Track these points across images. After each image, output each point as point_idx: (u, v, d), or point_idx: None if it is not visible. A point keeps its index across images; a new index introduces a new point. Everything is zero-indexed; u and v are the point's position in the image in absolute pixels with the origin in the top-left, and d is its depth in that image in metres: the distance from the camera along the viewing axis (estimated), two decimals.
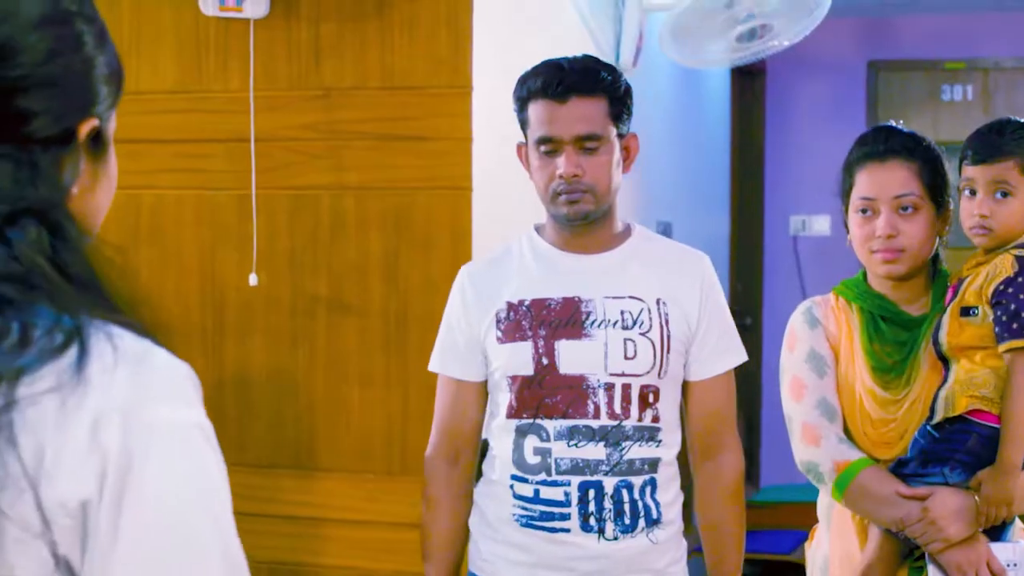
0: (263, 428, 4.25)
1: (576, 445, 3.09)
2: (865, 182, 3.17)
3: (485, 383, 3.25)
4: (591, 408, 3.09)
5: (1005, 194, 3.04)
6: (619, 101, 3.12)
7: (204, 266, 4.28)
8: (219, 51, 4.24)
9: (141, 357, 1.31)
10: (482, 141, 4.05)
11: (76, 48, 1.38)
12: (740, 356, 3.26)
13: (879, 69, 9.06)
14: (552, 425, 3.10)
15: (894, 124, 3.27)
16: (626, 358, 3.09)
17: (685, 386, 3.22)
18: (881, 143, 3.18)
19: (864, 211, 3.17)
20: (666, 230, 6.44)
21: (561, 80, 3.09)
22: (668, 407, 3.16)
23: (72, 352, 1.25)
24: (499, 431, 3.20)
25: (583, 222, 3.13)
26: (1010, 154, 3.04)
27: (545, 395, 3.11)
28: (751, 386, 8.35)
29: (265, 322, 4.23)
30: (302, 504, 4.22)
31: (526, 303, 3.15)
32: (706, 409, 3.23)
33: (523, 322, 3.13)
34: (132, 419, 1.26)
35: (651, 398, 3.12)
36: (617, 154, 3.13)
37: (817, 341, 3.24)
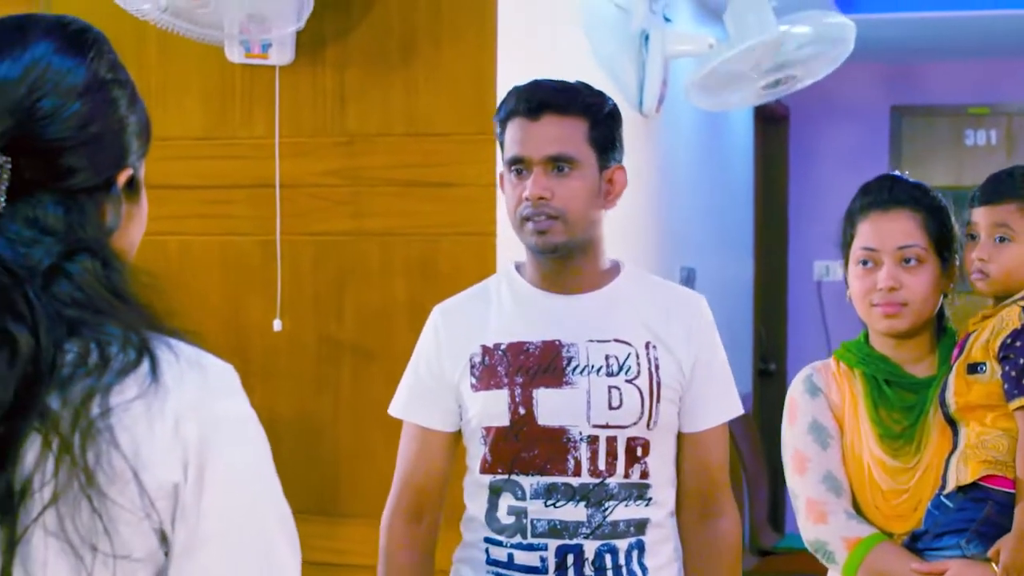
0: (288, 474, 4.22)
1: (554, 505, 2.81)
2: (867, 232, 3.03)
3: (455, 434, 2.98)
4: (571, 464, 2.80)
5: (1004, 239, 2.94)
6: (601, 125, 2.87)
7: (229, 311, 4.29)
8: (245, 98, 4.26)
9: (198, 360, 1.59)
10: None
11: (111, 111, 1.61)
12: (736, 408, 3.01)
13: (903, 114, 9.07)
14: (528, 482, 2.82)
15: (899, 173, 3.16)
16: (611, 408, 2.82)
17: (678, 439, 2.95)
18: (885, 192, 3.05)
19: (865, 262, 3.02)
20: (690, 275, 6.44)
21: (534, 96, 2.86)
22: (660, 462, 2.88)
23: (145, 363, 1.51)
24: (473, 488, 2.93)
25: (556, 256, 2.85)
26: (1013, 197, 2.95)
27: (521, 449, 2.82)
28: (775, 431, 8.32)
29: (290, 367, 4.24)
30: (327, 550, 4.21)
31: (502, 347, 2.87)
32: (699, 465, 2.95)
33: (499, 368, 2.85)
34: (203, 414, 1.54)
35: (639, 452, 2.84)
36: (595, 183, 2.85)
37: (819, 411, 3.05)
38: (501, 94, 4.04)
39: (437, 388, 2.95)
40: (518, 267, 3.01)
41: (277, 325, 4.18)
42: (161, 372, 1.52)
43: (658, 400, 2.85)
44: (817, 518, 2.98)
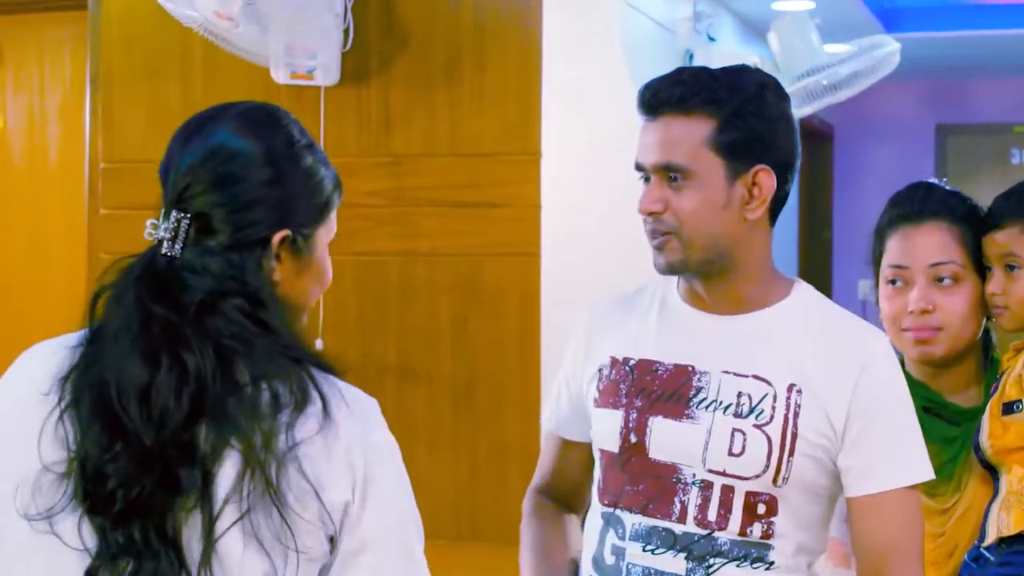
0: None
1: (652, 552, 2.40)
2: (896, 248, 2.68)
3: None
4: (676, 508, 2.39)
5: (1013, 267, 2.59)
6: (735, 123, 2.37)
7: None
8: None
9: (356, 396, 1.89)
10: (551, 207, 4.06)
11: (267, 184, 1.91)
12: (917, 473, 2.39)
13: (947, 133, 9.04)
14: (630, 520, 2.42)
15: (935, 181, 2.83)
16: (730, 453, 2.36)
17: (848, 505, 2.43)
18: (917, 202, 2.68)
19: (894, 281, 2.67)
20: None
21: (653, 91, 2.42)
22: (793, 524, 2.38)
23: (318, 402, 1.82)
24: (592, 513, 2.55)
25: (685, 276, 2.46)
26: (1013, 219, 2.62)
27: (627, 481, 2.44)
28: None
29: None
30: None
31: (632, 362, 2.47)
32: (868, 538, 2.39)
33: (622, 385, 2.47)
34: (367, 444, 1.87)
35: (761, 509, 2.36)
36: (721, 193, 2.37)
37: None
38: (545, 114, 4.06)
39: (574, 396, 2.60)
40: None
41: (318, 345, 4.19)
42: (331, 410, 1.83)
43: (791, 453, 2.35)
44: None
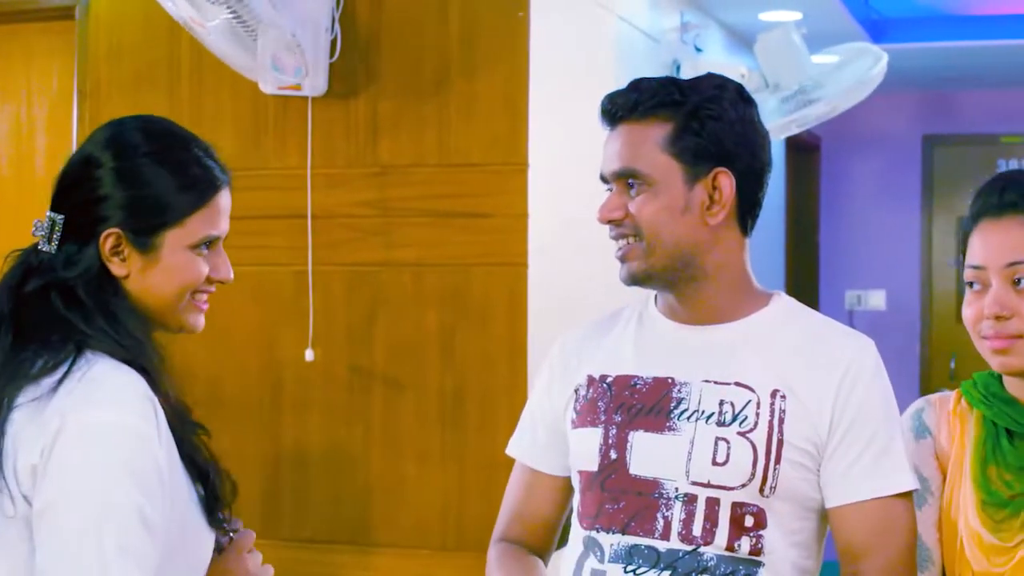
0: (320, 503, 4.25)
1: (634, 572, 2.29)
2: (975, 246, 2.36)
3: (567, 480, 2.52)
4: (660, 524, 2.29)
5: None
6: (693, 125, 2.33)
7: (261, 341, 4.30)
8: (277, 129, 4.28)
9: (102, 378, 2.02)
10: (538, 218, 4.07)
11: (91, 188, 2.12)
12: (898, 483, 2.30)
13: (935, 143, 9.05)
14: (608, 541, 2.32)
15: (1020, 169, 2.51)
16: (714, 463, 2.27)
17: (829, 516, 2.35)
18: (995, 196, 2.37)
19: (972, 284, 2.36)
20: None
21: (610, 101, 2.41)
22: (782, 538, 2.29)
23: (58, 375, 2.01)
24: (570, 541, 2.44)
25: (650, 287, 2.41)
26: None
27: (606, 500, 2.34)
28: None
29: (322, 397, 4.24)
30: None
31: (609, 379, 2.40)
32: (849, 550, 2.31)
33: (599, 403, 2.39)
34: (71, 416, 1.97)
35: (749, 522, 2.27)
36: (680, 198, 2.32)
37: (922, 458, 2.42)
38: (533, 125, 4.06)
39: (549, 425, 2.51)
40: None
41: (309, 355, 4.19)
42: (63, 383, 2.00)
43: (777, 461, 2.27)
44: None
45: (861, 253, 8.87)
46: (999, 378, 2.39)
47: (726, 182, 2.34)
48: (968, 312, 2.35)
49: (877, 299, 8.82)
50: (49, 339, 2.06)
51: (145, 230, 2.13)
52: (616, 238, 2.37)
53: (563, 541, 2.52)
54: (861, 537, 2.29)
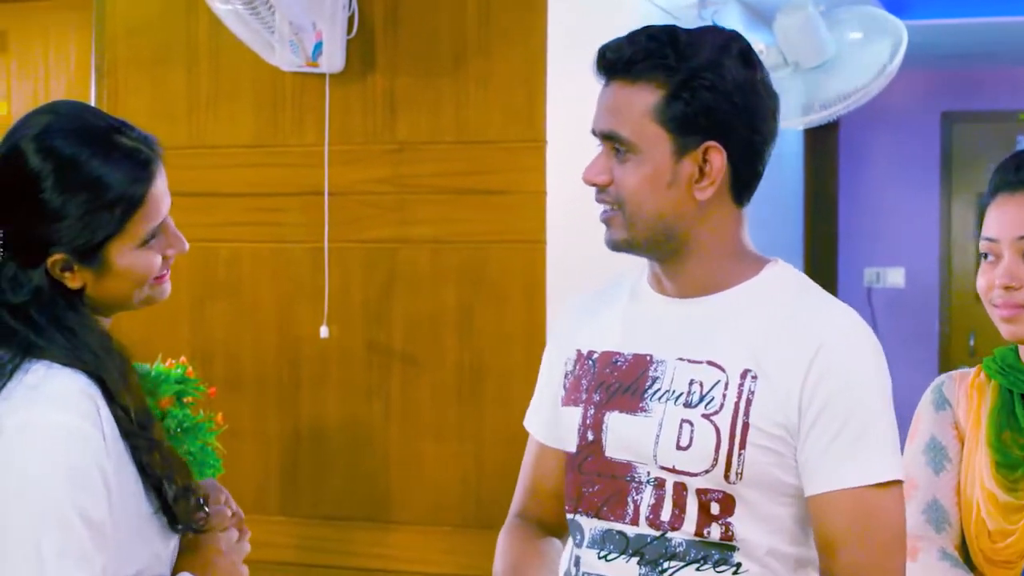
0: (337, 481, 4.26)
1: (605, 558, 2.20)
2: (990, 219, 2.47)
3: None
4: (630, 509, 2.18)
5: None
6: (686, 94, 2.14)
7: (279, 318, 4.31)
8: (295, 106, 4.28)
9: (41, 383, 1.99)
10: (556, 194, 4.06)
11: (32, 210, 2.05)
12: (882, 471, 2.11)
13: (953, 120, 9.02)
14: (588, 526, 2.23)
15: None
16: (679, 447, 2.13)
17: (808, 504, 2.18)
18: (1011, 171, 2.49)
19: (986, 256, 2.47)
20: None
21: (606, 52, 2.22)
22: (755, 525, 2.15)
23: (2, 380, 1.99)
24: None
25: (635, 254, 2.26)
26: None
27: (584, 483, 2.24)
28: None
29: (339, 375, 4.25)
30: (376, 556, 4.22)
31: (595, 355, 2.29)
32: (822, 543, 2.14)
33: (583, 380, 2.28)
34: (5, 420, 1.95)
35: (715, 509, 2.13)
36: (666, 169, 2.16)
37: (941, 428, 2.51)
38: (551, 102, 4.06)
39: (551, 396, 2.39)
40: None
41: (324, 332, 4.19)
42: (5, 387, 2.00)
43: (742, 446, 2.11)
44: (909, 554, 2.27)
45: (880, 230, 8.85)
46: (1016, 351, 2.50)
47: (717, 157, 2.16)
48: (981, 281, 2.46)
49: (896, 276, 8.79)
50: None
51: (90, 249, 2.08)
52: (599, 202, 2.23)
53: None
54: (834, 529, 2.11)
